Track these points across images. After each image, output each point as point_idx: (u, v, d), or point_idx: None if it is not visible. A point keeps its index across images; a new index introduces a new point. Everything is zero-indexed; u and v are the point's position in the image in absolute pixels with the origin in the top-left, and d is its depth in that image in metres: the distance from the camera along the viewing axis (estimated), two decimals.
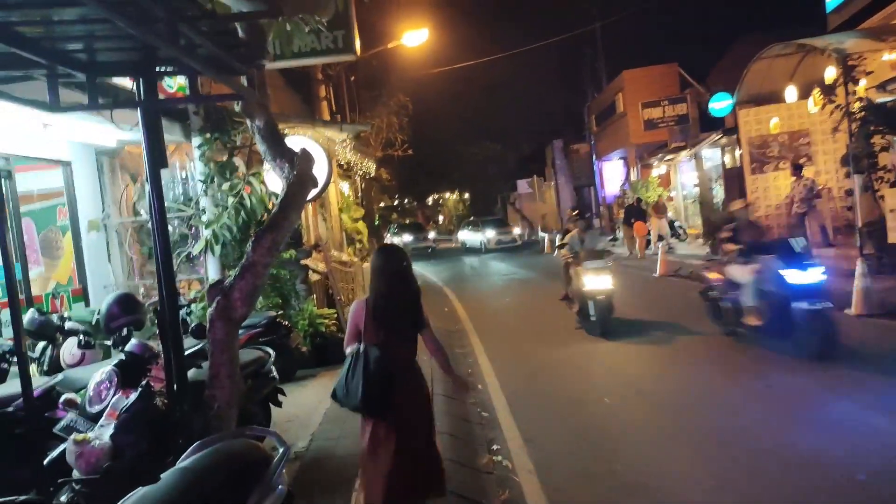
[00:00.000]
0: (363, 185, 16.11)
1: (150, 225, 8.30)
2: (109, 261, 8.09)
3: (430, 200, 54.73)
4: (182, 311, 6.86)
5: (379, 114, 16.39)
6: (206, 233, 7.58)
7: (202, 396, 3.61)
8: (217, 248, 7.56)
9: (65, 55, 2.84)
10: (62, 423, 3.49)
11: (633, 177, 23.72)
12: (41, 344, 5.14)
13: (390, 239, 27.77)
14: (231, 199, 7.65)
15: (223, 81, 3.31)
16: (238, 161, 7.69)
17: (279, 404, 4.99)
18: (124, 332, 3.84)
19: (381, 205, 28.79)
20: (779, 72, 14.12)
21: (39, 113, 6.07)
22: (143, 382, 3.30)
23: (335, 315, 8.01)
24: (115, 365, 3.60)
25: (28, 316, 5.00)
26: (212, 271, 7.75)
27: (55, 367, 4.99)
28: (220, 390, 3.55)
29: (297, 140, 8.03)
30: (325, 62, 8.72)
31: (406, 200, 49.36)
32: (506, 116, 36.38)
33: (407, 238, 32.05)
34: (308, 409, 6.01)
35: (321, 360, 7.62)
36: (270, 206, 8.31)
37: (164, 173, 8.42)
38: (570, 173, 35.45)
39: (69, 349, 4.86)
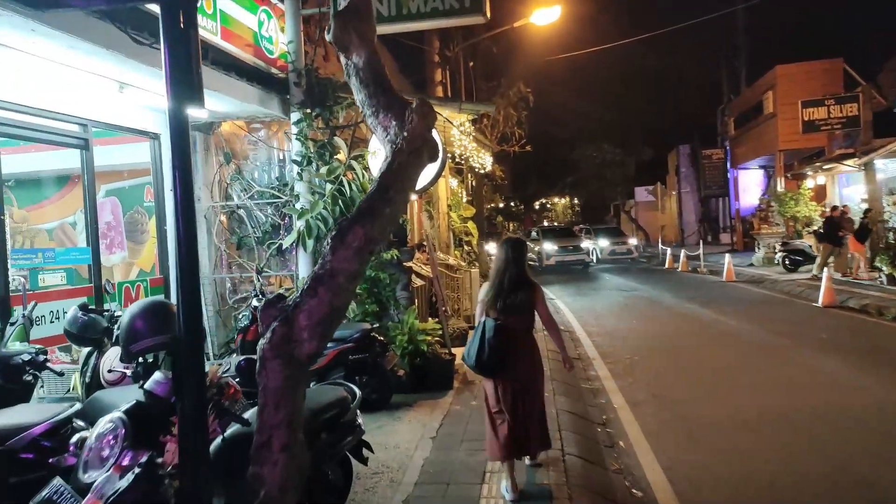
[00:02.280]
0: (474, 182, 14.81)
1: (242, 211, 7.40)
2: None
3: (536, 205, 52.66)
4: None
5: (496, 104, 14.99)
6: (298, 223, 6.52)
7: (243, 472, 2.33)
8: (310, 243, 6.47)
9: None
10: (43, 493, 2.33)
11: (778, 187, 20.74)
12: (86, 350, 4.17)
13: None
14: (329, 186, 6.54)
15: None
16: (339, 142, 6.55)
17: (364, 460, 3.68)
18: (150, 358, 2.66)
19: (491, 205, 27.34)
20: None
21: (112, 69, 5.22)
22: (145, 458, 2.06)
23: (440, 330, 6.67)
24: (124, 412, 2.41)
25: (70, 314, 4.04)
26: (302, 269, 6.68)
27: (98, 381, 3.99)
28: (270, 468, 2.26)
29: None
30: (447, 25, 7.44)
31: (513, 203, 47.62)
32: (627, 118, 33.84)
33: (549, 247, 22.96)
34: (402, 457, 4.67)
35: (420, 384, 6.30)
36: None
37: (260, 153, 7.49)
38: (696, 182, 32.33)
39: (109, 362, 3.83)
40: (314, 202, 6.45)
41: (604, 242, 27.15)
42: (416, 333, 6.43)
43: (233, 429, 2.61)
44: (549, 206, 51.54)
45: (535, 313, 4.04)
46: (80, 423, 3.11)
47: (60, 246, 7.04)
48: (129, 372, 2.71)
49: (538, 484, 4.07)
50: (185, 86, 1.86)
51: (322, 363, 5.60)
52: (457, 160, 11.99)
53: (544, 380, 4.21)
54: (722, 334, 9.63)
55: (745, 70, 27.17)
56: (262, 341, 2.27)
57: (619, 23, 27.33)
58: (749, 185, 26.59)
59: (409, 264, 7.62)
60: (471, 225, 11.48)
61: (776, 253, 18.03)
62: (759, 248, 19.96)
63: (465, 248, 11.83)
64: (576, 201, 46.22)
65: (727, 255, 18.26)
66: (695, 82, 32.81)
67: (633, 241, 27.76)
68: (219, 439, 2.46)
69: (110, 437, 2.39)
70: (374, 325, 5.81)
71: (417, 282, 7.87)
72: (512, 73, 15.76)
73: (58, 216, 7.34)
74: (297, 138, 6.47)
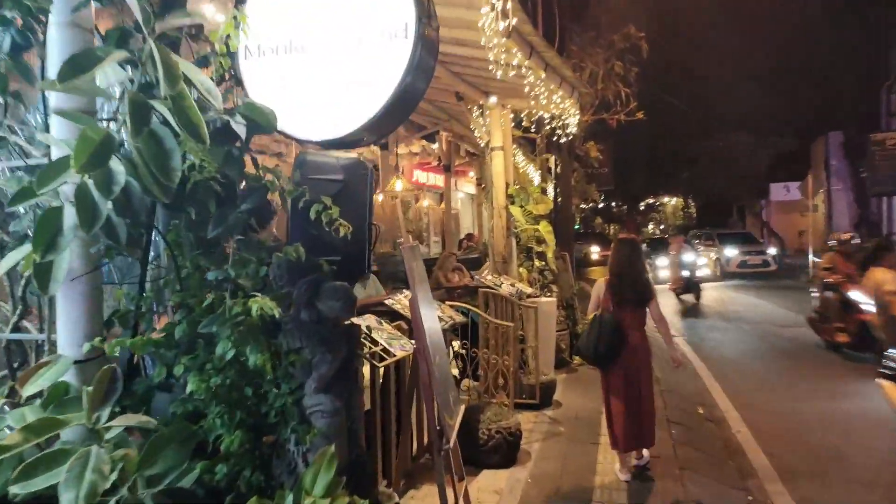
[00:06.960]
0: (559, 167, 10.37)
1: None
2: None
3: (641, 205, 46.32)
4: None
5: (592, 55, 10.48)
6: (34, 210, 2.49)
7: None
8: (61, 259, 2.37)
9: None
10: None
11: None
12: None
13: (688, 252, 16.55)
14: (127, 107, 2.47)
15: None
16: (132, 1, 2.45)
17: None
18: None
19: (591, 204, 22.37)
20: None
21: None
22: None
23: None
24: None
25: None
26: (61, 324, 2.62)
27: None
28: None
29: None
30: None
31: (614, 203, 41.92)
32: (759, 102, 27.60)
33: (731, 252, 21.52)
34: None
35: None
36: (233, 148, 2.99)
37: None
38: (851, 177, 25.69)
39: None
40: (68, 158, 2.38)
41: (731, 252, 21.67)
42: None
43: None
44: (657, 205, 45.24)
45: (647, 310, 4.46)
46: None
47: None
48: None
49: None
50: None
51: None
52: (524, 124, 7.66)
53: (653, 376, 4.60)
54: None
55: None
56: None
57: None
58: None
59: (370, 316, 3.39)
60: (543, 227, 7.10)
61: None
62: None
63: (537, 263, 7.43)
64: (690, 202, 39.81)
65: None
66: (846, 58, 26.08)
67: (771, 251, 21.97)
68: None
69: None
70: None
71: (399, 352, 3.60)
72: (616, 11, 11.13)
73: None
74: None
